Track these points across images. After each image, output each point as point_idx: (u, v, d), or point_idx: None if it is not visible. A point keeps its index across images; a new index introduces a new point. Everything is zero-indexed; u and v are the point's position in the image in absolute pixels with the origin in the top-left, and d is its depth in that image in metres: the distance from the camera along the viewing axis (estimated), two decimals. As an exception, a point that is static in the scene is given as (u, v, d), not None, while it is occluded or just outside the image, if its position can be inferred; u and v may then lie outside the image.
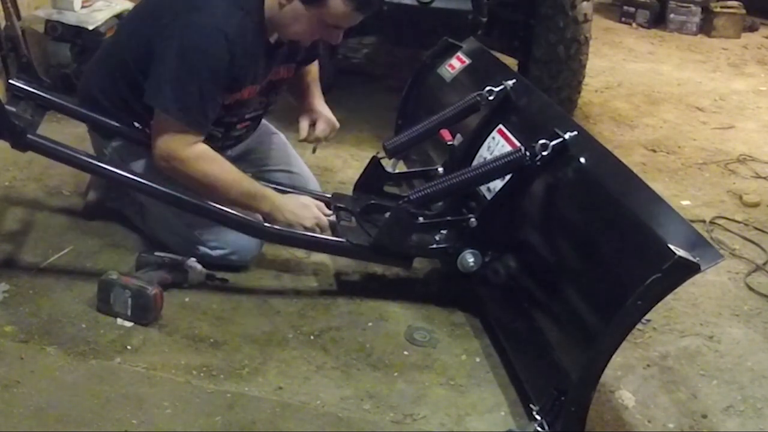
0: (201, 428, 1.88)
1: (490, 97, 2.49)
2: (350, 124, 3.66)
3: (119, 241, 2.56)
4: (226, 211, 2.29)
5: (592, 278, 1.94)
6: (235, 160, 2.66)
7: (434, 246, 2.37)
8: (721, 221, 3.19)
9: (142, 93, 2.31)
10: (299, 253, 2.60)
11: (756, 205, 3.36)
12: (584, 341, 1.87)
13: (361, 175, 2.67)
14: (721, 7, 6.23)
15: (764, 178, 3.68)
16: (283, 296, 2.41)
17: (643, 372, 2.24)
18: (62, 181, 2.87)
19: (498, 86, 2.49)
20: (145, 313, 2.18)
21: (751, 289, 2.72)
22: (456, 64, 2.91)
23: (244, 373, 2.07)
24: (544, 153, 2.15)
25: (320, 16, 2.27)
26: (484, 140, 2.47)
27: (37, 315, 2.19)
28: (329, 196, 2.64)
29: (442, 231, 2.40)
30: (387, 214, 2.40)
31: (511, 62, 3.83)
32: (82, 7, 3.62)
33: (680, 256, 1.66)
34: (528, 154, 2.17)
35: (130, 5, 3.65)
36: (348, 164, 3.32)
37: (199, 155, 2.29)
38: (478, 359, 2.22)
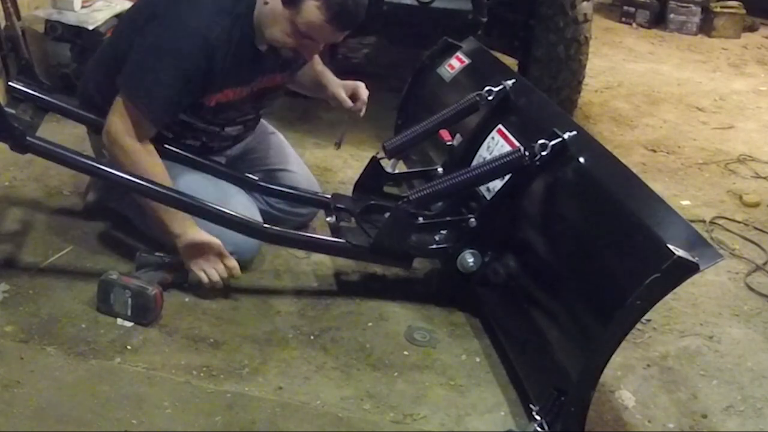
0: (201, 428, 1.88)
1: (490, 97, 2.49)
2: (350, 124, 3.67)
3: (119, 241, 2.56)
4: (224, 211, 2.29)
5: (592, 278, 1.94)
6: (235, 160, 2.67)
7: (434, 246, 2.38)
8: (721, 221, 3.19)
9: None
10: (299, 253, 2.60)
11: (756, 205, 3.36)
12: (584, 341, 1.87)
13: (360, 176, 2.67)
14: (721, 7, 6.23)
15: (764, 178, 3.68)
16: (283, 296, 2.41)
17: (643, 372, 2.24)
18: (62, 181, 2.88)
19: (497, 86, 2.49)
20: (145, 313, 2.18)
21: (751, 289, 2.72)
22: (455, 64, 2.91)
23: (244, 373, 2.07)
24: (544, 153, 2.15)
25: (294, 20, 2.24)
26: (484, 140, 2.47)
27: (37, 315, 2.19)
28: (329, 196, 2.64)
29: (441, 231, 2.40)
30: (387, 215, 2.40)
31: (511, 62, 3.83)
32: (82, 7, 3.62)
33: (679, 256, 1.66)
34: (527, 154, 2.17)
35: (129, 5, 3.65)
36: (348, 164, 3.32)
37: (144, 150, 2.30)
38: (478, 359, 2.22)
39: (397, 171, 2.76)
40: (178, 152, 2.49)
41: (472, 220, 2.32)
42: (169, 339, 2.16)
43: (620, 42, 5.91)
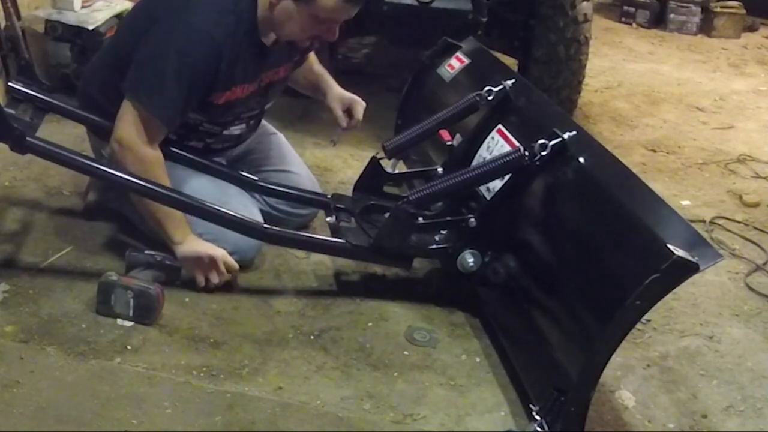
0: (201, 428, 1.88)
1: (490, 97, 2.49)
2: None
3: (119, 242, 2.56)
4: (225, 212, 2.29)
5: (592, 278, 1.94)
6: (235, 161, 2.67)
7: (434, 246, 2.38)
8: (721, 221, 3.19)
9: None
10: (299, 253, 2.60)
11: (756, 205, 3.36)
12: (584, 341, 1.87)
13: (360, 176, 2.67)
14: (721, 7, 6.23)
15: (764, 178, 3.68)
16: (283, 296, 2.41)
17: (643, 372, 2.24)
18: (62, 181, 2.88)
19: (497, 86, 2.49)
20: (148, 312, 2.18)
21: (751, 289, 2.72)
22: (455, 64, 2.91)
23: (244, 373, 2.07)
24: (544, 153, 2.15)
25: (312, 12, 2.26)
26: (484, 140, 2.47)
27: (37, 315, 2.19)
28: (329, 196, 2.64)
29: (441, 231, 2.40)
30: (387, 215, 2.40)
31: (511, 62, 3.83)
32: (82, 7, 3.62)
33: (679, 256, 1.66)
34: (527, 154, 2.17)
35: (130, 5, 3.65)
36: (348, 164, 3.32)
37: (153, 159, 2.30)
38: (478, 359, 2.22)
39: (397, 171, 2.76)
40: (179, 153, 2.49)
41: (472, 220, 2.32)
42: (169, 339, 2.16)
43: (620, 42, 5.91)
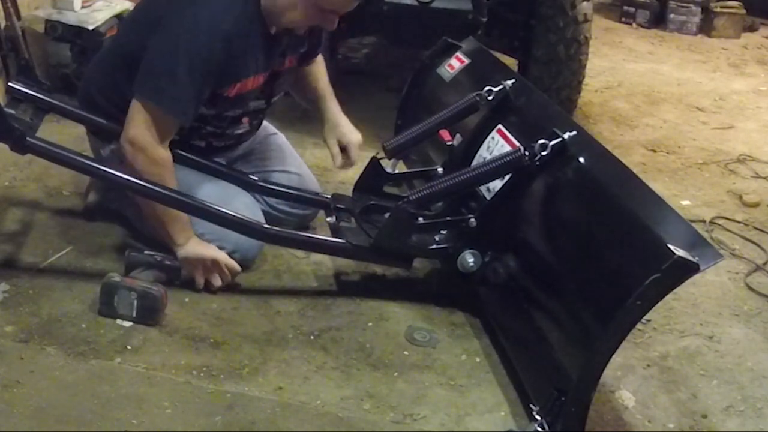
0: (201, 428, 1.88)
1: (490, 97, 2.49)
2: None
3: (119, 242, 2.56)
4: (226, 212, 2.29)
5: (592, 278, 1.94)
6: (236, 161, 2.67)
7: (434, 246, 2.37)
8: (721, 221, 3.19)
9: None
10: (299, 253, 2.60)
11: (756, 205, 3.36)
12: (584, 341, 1.87)
13: (360, 176, 2.67)
14: (721, 7, 6.23)
15: (764, 178, 3.68)
16: (283, 296, 2.41)
17: (643, 372, 2.24)
18: (62, 181, 2.88)
19: (497, 86, 2.49)
20: (151, 313, 2.18)
21: (751, 289, 2.72)
22: (455, 64, 2.91)
23: (244, 373, 2.07)
24: (544, 153, 2.15)
25: (315, 2, 2.27)
26: (484, 140, 2.47)
27: (37, 315, 2.19)
28: (329, 196, 2.64)
29: (441, 231, 2.40)
30: (387, 215, 2.40)
31: (511, 62, 3.83)
32: (82, 7, 3.62)
33: (680, 256, 1.66)
34: (527, 154, 2.17)
35: (130, 5, 3.65)
36: (348, 164, 3.32)
37: (166, 159, 2.29)
38: (478, 359, 2.22)
39: (397, 171, 2.76)
40: (180, 153, 2.49)
41: (472, 220, 2.32)
42: (169, 339, 2.16)
43: (620, 42, 5.91)
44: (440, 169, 2.59)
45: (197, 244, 2.33)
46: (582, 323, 1.93)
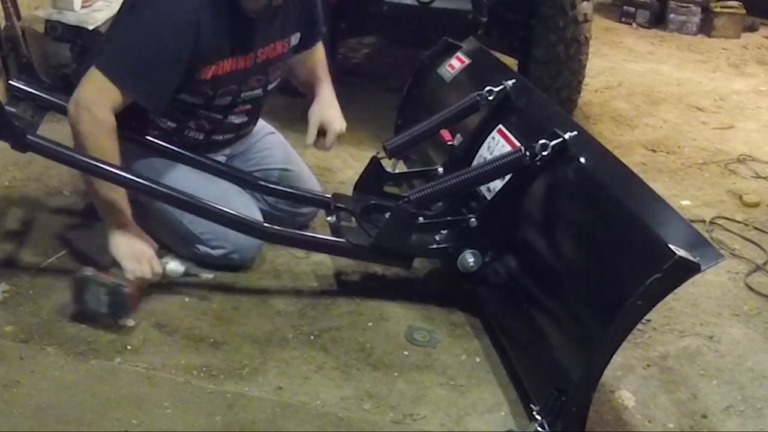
0: (201, 428, 1.88)
1: (490, 97, 2.49)
2: (350, 124, 3.64)
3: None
4: (225, 211, 2.29)
5: (592, 278, 1.94)
6: (234, 160, 2.67)
7: (434, 246, 2.37)
8: (721, 221, 3.19)
9: None
10: (299, 253, 2.60)
11: (756, 205, 3.36)
12: (584, 341, 1.87)
13: (361, 176, 2.66)
14: (721, 7, 6.22)
15: (764, 178, 3.68)
16: (283, 296, 2.41)
17: (643, 372, 2.24)
18: (62, 181, 2.88)
19: (498, 86, 2.49)
20: (121, 310, 2.15)
21: (751, 289, 2.72)
22: (456, 64, 2.91)
23: (244, 373, 2.07)
24: (544, 153, 2.15)
25: None
26: (484, 140, 2.47)
27: (37, 315, 2.19)
28: (329, 196, 2.64)
29: (442, 231, 2.40)
30: (387, 215, 2.40)
31: (511, 62, 3.83)
32: (82, 7, 3.62)
33: (680, 256, 1.66)
34: (528, 154, 2.17)
35: (129, 5, 3.65)
36: (348, 164, 3.32)
37: (108, 122, 2.22)
38: (478, 359, 2.22)
39: (397, 171, 2.76)
40: (179, 152, 2.50)
41: (473, 220, 2.32)
42: (169, 339, 2.16)
43: (620, 42, 5.91)
44: (440, 169, 2.59)
45: (131, 234, 2.25)
46: (582, 323, 1.93)
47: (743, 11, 6.26)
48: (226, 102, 2.46)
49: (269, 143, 2.77)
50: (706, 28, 6.22)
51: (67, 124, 2.75)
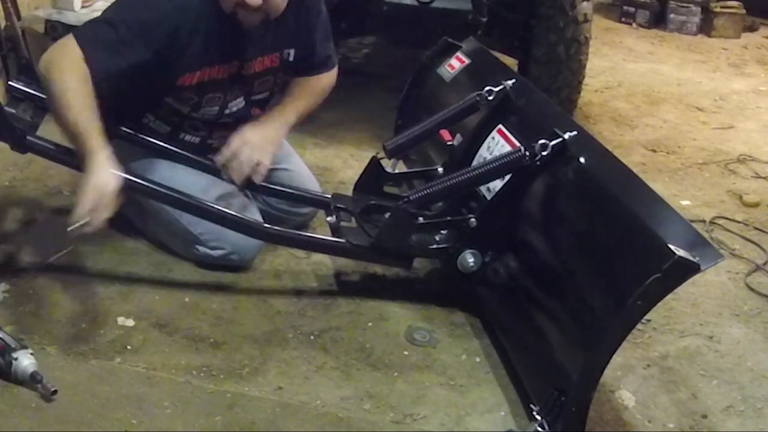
0: (201, 428, 1.88)
1: (490, 97, 2.48)
2: (350, 124, 3.67)
3: (119, 242, 2.56)
4: (224, 211, 2.29)
5: (592, 278, 1.94)
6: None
7: (434, 246, 2.37)
8: (721, 221, 3.19)
9: (136, 89, 2.32)
10: (299, 253, 2.60)
11: (756, 205, 3.36)
12: (584, 341, 1.87)
13: (360, 176, 2.66)
14: (721, 7, 6.22)
15: (764, 178, 3.68)
16: (283, 296, 2.41)
17: (643, 372, 2.24)
18: (62, 181, 2.87)
19: (497, 86, 2.49)
20: None
21: (751, 289, 2.72)
22: (456, 64, 2.91)
23: (244, 373, 2.07)
24: (544, 153, 2.15)
25: None
26: (484, 140, 2.47)
27: (37, 315, 2.19)
28: (329, 196, 2.64)
29: (442, 231, 2.40)
30: (387, 215, 2.40)
31: (511, 62, 3.83)
32: (82, 7, 3.63)
33: (680, 256, 1.66)
34: (528, 154, 2.17)
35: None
36: (348, 164, 3.32)
37: (74, 58, 2.16)
38: (478, 359, 2.22)
39: (397, 171, 2.76)
40: (178, 152, 2.49)
41: (473, 220, 2.32)
42: (169, 339, 2.16)
43: (620, 42, 5.91)
44: (440, 169, 2.59)
45: (96, 170, 2.08)
46: (582, 323, 1.93)
47: (743, 11, 6.26)
48: (213, 112, 2.46)
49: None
50: (706, 28, 6.22)
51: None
